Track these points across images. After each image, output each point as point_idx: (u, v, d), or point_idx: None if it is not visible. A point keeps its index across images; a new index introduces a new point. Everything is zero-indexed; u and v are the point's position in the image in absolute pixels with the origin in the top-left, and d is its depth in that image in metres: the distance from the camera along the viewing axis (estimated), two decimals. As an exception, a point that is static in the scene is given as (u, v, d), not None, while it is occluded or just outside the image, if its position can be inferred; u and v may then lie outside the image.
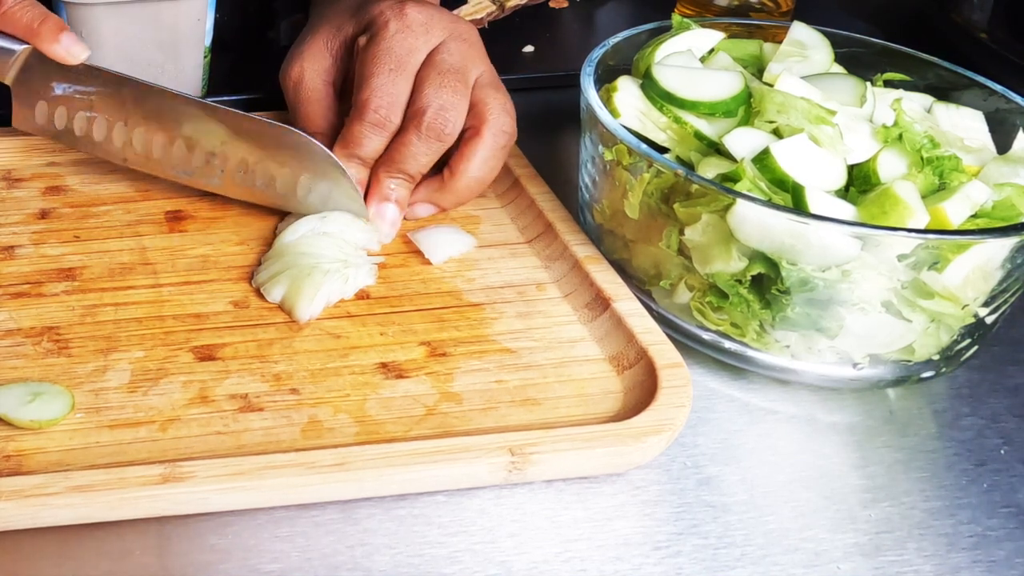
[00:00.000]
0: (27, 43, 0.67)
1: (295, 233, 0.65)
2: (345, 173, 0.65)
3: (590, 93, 0.64)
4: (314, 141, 0.65)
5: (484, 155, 0.67)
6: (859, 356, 0.58)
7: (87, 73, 0.67)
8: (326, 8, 0.73)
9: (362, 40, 0.68)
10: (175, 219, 0.69)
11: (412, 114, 0.66)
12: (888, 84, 0.69)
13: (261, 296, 0.62)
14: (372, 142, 0.66)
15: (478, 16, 0.92)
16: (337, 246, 0.64)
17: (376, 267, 0.64)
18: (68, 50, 0.67)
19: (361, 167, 0.67)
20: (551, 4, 1.00)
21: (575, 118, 0.68)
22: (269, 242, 0.66)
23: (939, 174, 0.60)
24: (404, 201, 0.68)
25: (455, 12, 0.92)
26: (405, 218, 0.69)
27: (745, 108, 0.62)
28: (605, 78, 0.66)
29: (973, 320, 0.58)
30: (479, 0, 0.93)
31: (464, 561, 0.50)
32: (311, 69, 0.70)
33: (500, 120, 0.67)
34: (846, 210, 0.57)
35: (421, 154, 0.66)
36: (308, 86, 0.70)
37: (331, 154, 0.65)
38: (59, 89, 0.68)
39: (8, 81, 0.68)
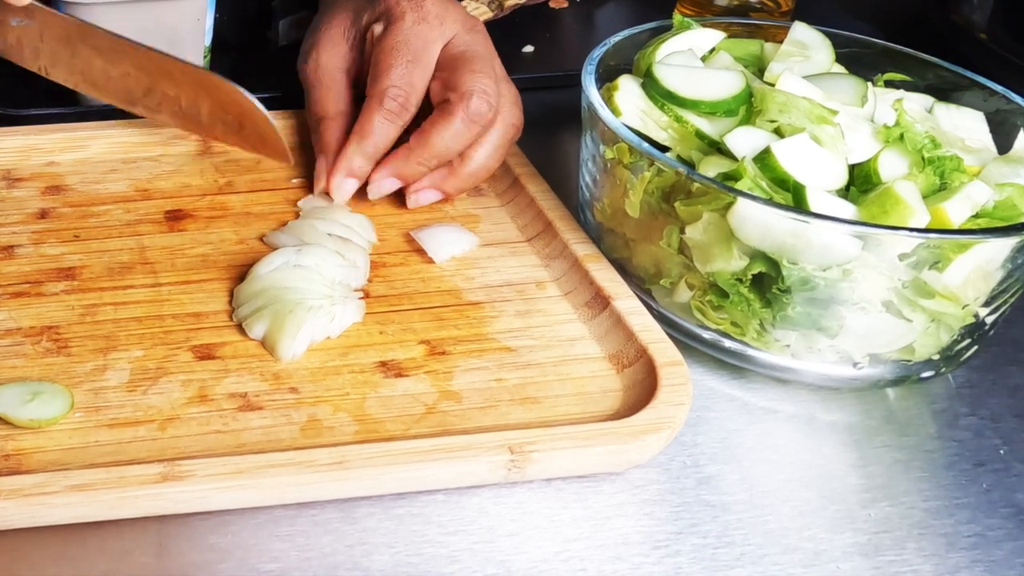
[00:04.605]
0: None
1: (269, 265, 0.62)
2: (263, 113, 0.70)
3: (591, 91, 0.64)
4: (229, 82, 0.69)
5: (495, 143, 0.69)
6: (859, 356, 0.58)
7: (36, 11, 0.71)
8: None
9: (377, 29, 0.69)
10: (174, 218, 0.69)
11: (457, 98, 0.66)
12: (889, 84, 0.69)
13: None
14: (388, 131, 0.67)
15: None
16: (321, 281, 0.61)
17: (364, 304, 0.62)
18: None
19: (367, 161, 0.68)
20: (551, 4, 1.00)
21: (575, 118, 0.68)
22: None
23: (940, 174, 0.60)
24: (410, 179, 0.69)
25: None
26: (407, 208, 0.69)
27: (746, 107, 0.62)
28: (606, 77, 0.66)
29: (973, 320, 0.58)
30: (476, 6, 0.92)
31: (463, 560, 0.50)
32: (327, 55, 0.72)
33: (511, 112, 0.69)
34: (847, 209, 0.57)
35: (461, 137, 0.67)
36: (324, 71, 0.72)
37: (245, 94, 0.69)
38: (14, 22, 0.72)
39: None
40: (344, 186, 0.68)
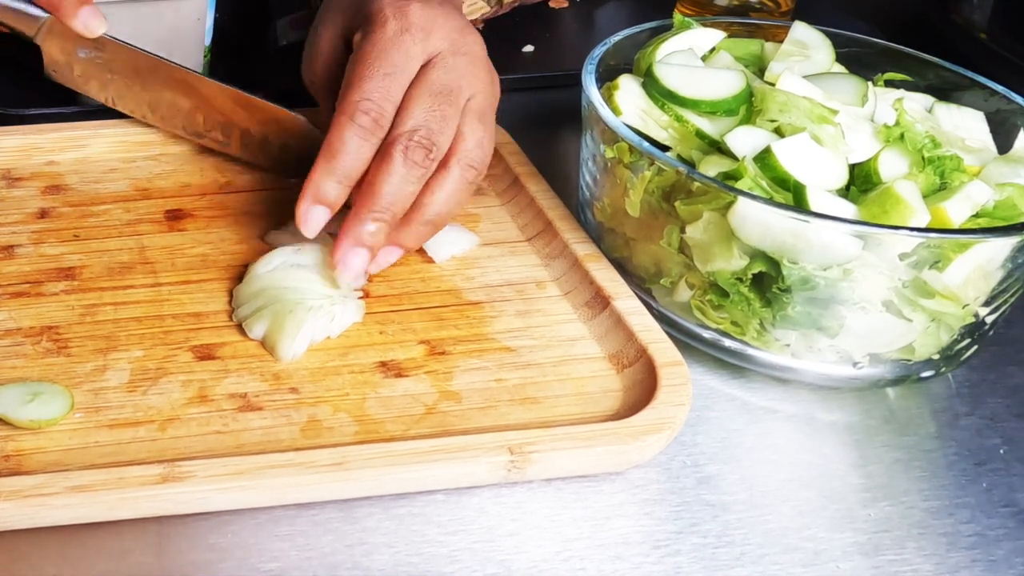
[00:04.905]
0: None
1: (267, 265, 0.62)
2: None
3: (591, 91, 0.64)
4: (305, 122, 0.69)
5: (450, 189, 0.61)
6: (859, 355, 0.58)
7: (107, 44, 0.72)
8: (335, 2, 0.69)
9: (358, 36, 0.64)
10: (174, 218, 0.69)
11: (395, 137, 0.60)
12: (889, 84, 0.69)
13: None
14: (360, 150, 0.60)
15: (473, 16, 0.92)
16: (321, 281, 0.61)
17: (364, 304, 0.62)
18: (86, 24, 0.69)
19: (338, 185, 0.60)
20: (551, 4, 1.00)
21: (574, 117, 0.68)
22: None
23: (940, 174, 0.60)
24: (377, 249, 0.61)
25: None
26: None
27: (746, 107, 0.62)
28: (606, 77, 0.66)
29: (973, 320, 0.58)
30: (473, 0, 0.92)
31: (463, 560, 0.50)
32: (321, 65, 0.68)
33: (471, 154, 0.62)
34: (847, 209, 0.57)
35: (407, 182, 0.60)
36: (320, 85, 0.68)
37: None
38: (82, 53, 0.72)
39: (38, 42, 0.72)
40: (311, 216, 0.60)
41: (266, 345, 0.59)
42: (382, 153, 0.60)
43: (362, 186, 0.60)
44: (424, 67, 0.62)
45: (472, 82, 0.63)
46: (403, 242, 0.62)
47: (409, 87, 0.61)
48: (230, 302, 0.62)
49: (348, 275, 0.61)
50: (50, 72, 0.73)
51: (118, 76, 0.72)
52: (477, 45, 0.64)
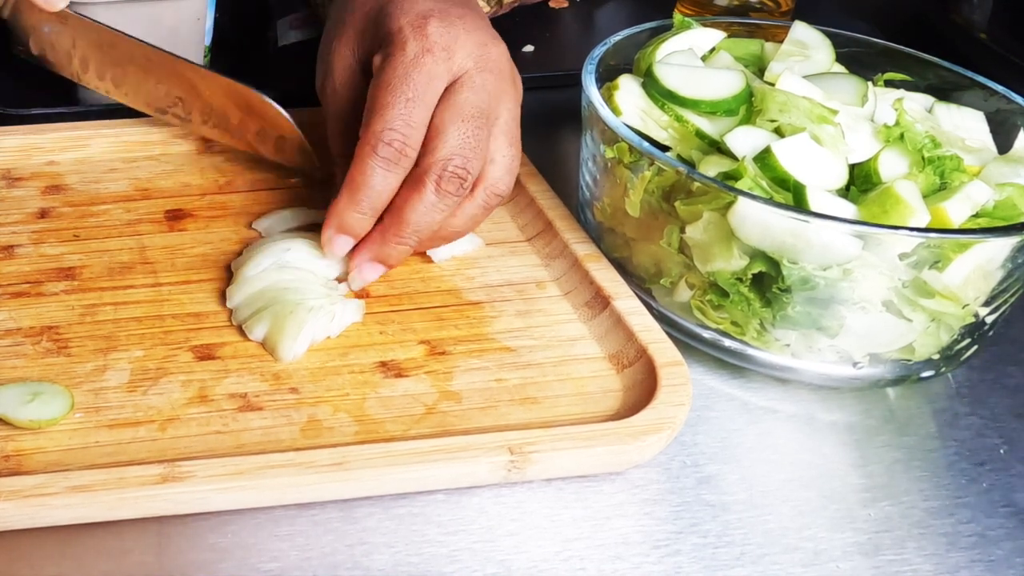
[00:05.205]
0: None
1: (258, 267, 0.61)
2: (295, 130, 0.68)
3: (592, 91, 0.64)
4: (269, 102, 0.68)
5: (471, 213, 0.62)
6: (859, 355, 0.58)
7: (69, 18, 0.71)
8: (346, 6, 0.66)
9: (377, 59, 0.61)
10: (174, 218, 0.69)
11: (428, 165, 0.58)
12: (889, 84, 0.69)
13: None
14: (386, 181, 0.59)
15: None
16: (316, 281, 0.61)
17: (363, 303, 0.61)
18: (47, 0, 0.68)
19: (363, 216, 0.60)
20: (551, 4, 1.00)
21: (575, 117, 0.68)
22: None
23: (940, 174, 0.60)
24: (396, 265, 0.62)
25: None
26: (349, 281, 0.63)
27: (746, 107, 0.62)
28: (606, 77, 0.66)
29: (973, 320, 0.58)
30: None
31: (463, 560, 0.50)
32: (339, 83, 0.64)
33: (499, 183, 0.62)
34: (847, 209, 0.57)
35: (437, 211, 0.59)
36: (335, 103, 0.64)
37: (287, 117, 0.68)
38: (46, 28, 0.72)
39: (4, 16, 0.73)
40: (336, 243, 0.61)
41: (267, 346, 0.59)
42: (414, 180, 0.59)
43: (390, 209, 0.60)
44: (451, 87, 0.60)
45: (501, 99, 0.61)
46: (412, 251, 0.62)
47: (438, 109, 0.59)
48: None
49: (359, 283, 0.62)
50: (16, 48, 0.73)
51: (82, 51, 0.72)
52: (503, 58, 0.62)
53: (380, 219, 0.61)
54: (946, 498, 0.54)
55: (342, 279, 0.63)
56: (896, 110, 0.62)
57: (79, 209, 0.69)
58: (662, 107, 0.63)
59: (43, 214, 0.69)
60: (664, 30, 0.70)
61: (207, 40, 0.79)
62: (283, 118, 0.68)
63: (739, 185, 0.57)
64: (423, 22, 0.60)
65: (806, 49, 0.68)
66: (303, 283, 0.61)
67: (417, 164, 0.59)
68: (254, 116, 0.70)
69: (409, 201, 0.59)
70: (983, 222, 0.58)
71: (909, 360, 0.58)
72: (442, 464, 0.51)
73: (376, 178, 0.58)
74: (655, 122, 0.63)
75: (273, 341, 0.58)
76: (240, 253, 0.65)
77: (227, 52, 0.84)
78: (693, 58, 0.66)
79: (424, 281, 0.65)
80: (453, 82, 0.60)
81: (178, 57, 0.70)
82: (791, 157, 0.58)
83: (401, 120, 0.58)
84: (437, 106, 0.59)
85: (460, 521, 0.52)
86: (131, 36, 0.70)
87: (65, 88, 0.74)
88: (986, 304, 0.57)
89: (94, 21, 0.71)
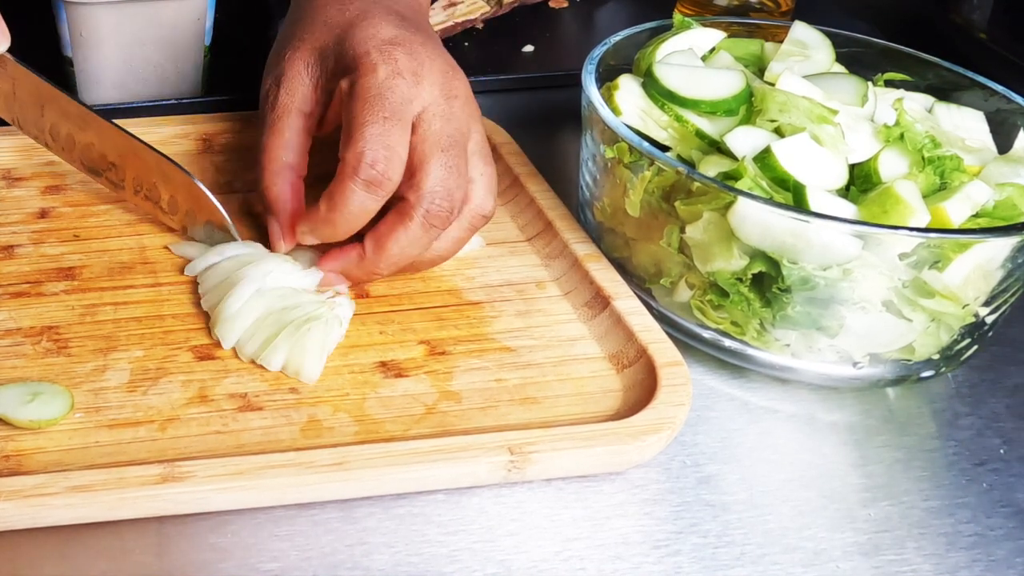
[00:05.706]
0: None
1: (240, 300, 0.59)
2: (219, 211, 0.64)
3: (591, 91, 0.64)
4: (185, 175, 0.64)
5: (456, 236, 0.62)
6: (859, 355, 0.58)
7: (8, 63, 0.67)
8: (304, 22, 0.66)
9: (344, 84, 0.61)
10: (175, 218, 0.69)
11: (415, 200, 0.58)
12: (889, 84, 0.69)
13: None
14: (366, 204, 0.58)
15: (472, 16, 0.92)
16: (309, 293, 0.61)
17: (350, 298, 0.62)
18: None
19: (340, 235, 0.60)
20: (551, 4, 1.00)
21: (574, 117, 0.68)
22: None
23: (940, 174, 0.60)
24: (366, 283, 0.63)
25: (448, 13, 0.91)
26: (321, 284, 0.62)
27: (746, 107, 0.62)
28: (606, 76, 0.66)
29: (973, 320, 0.58)
30: (473, 0, 0.92)
31: (463, 560, 0.50)
32: (286, 93, 0.63)
33: (483, 205, 0.62)
34: (847, 209, 0.57)
35: (420, 244, 0.60)
36: (281, 112, 0.63)
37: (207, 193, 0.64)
38: None
39: None
40: (305, 241, 0.62)
41: (288, 371, 0.57)
42: (400, 212, 0.59)
43: (374, 237, 0.60)
44: (422, 117, 0.59)
45: (469, 122, 0.61)
46: (361, 277, 0.62)
47: (415, 140, 0.59)
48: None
49: (326, 286, 0.62)
50: None
51: (20, 98, 0.68)
52: (464, 83, 0.62)
53: (359, 235, 0.60)
54: (946, 498, 0.54)
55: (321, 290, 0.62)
56: (896, 110, 0.62)
57: (79, 209, 0.69)
58: (662, 107, 0.63)
59: (43, 214, 0.69)
60: (664, 30, 0.70)
61: (207, 40, 0.79)
62: (213, 204, 0.64)
63: (739, 185, 0.57)
64: (391, 48, 0.60)
65: (806, 49, 0.68)
66: (297, 299, 0.60)
67: (402, 197, 0.59)
68: (183, 195, 0.65)
69: (394, 232, 0.59)
70: (983, 222, 0.58)
71: (909, 360, 0.58)
72: (442, 464, 0.51)
73: (355, 203, 0.58)
74: (655, 122, 0.63)
75: (297, 364, 0.57)
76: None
77: (227, 52, 0.84)
78: (693, 58, 0.66)
79: (424, 281, 0.65)
80: (423, 111, 0.60)
81: (114, 124, 0.66)
82: (791, 157, 0.58)
83: (380, 140, 0.57)
84: (413, 136, 0.59)
85: (460, 521, 0.52)
86: (68, 94, 0.67)
87: (65, 88, 0.74)
88: (986, 304, 0.57)
89: (32, 72, 0.66)
